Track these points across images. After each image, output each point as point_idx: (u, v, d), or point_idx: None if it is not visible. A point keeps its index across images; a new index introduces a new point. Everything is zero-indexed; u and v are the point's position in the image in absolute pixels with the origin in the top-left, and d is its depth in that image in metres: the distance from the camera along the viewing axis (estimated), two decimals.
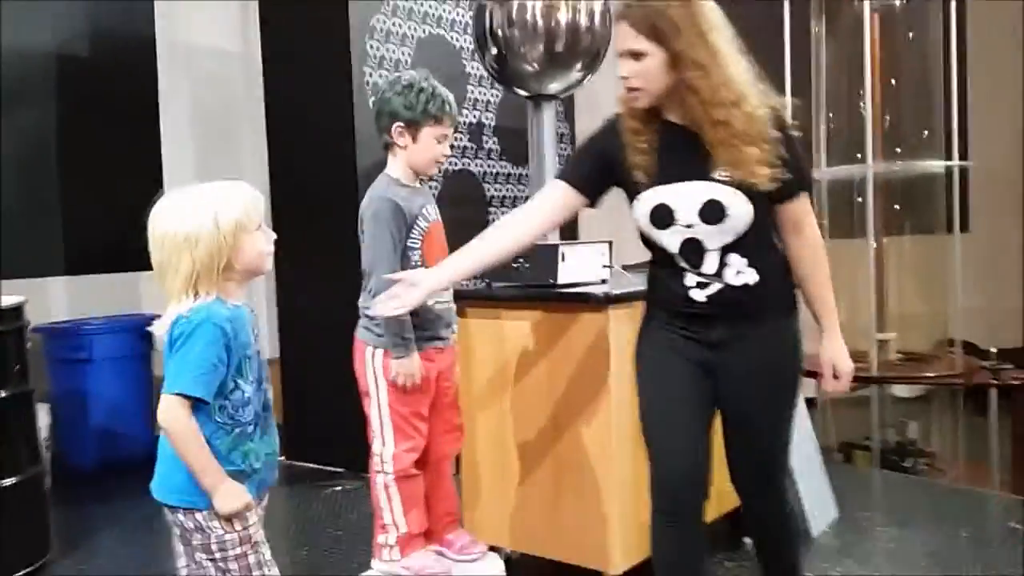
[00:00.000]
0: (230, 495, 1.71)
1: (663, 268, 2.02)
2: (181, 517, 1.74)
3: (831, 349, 2.00)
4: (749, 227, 1.90)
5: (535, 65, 2.93)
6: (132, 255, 4.95)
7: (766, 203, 1.92)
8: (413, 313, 2.43)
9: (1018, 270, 6.85)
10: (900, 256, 4.73)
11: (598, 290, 2.65)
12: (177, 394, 1.67)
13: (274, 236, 1.81)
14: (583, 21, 2.94)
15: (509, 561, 2.89)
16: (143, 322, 4.66)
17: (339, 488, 3.98)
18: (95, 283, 4.94)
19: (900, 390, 5.00)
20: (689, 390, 2.01)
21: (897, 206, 4.60)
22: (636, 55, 1.86)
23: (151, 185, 5.09)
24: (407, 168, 2.57)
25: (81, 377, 4.43)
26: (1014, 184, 6.82)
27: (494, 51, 2.97)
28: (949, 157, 4.42)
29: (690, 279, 1.96)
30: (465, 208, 4.55)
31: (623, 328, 2.64)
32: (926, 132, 4.52)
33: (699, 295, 1.95)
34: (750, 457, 2.07)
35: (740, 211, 1.88)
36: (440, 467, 2.75)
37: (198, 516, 1.73)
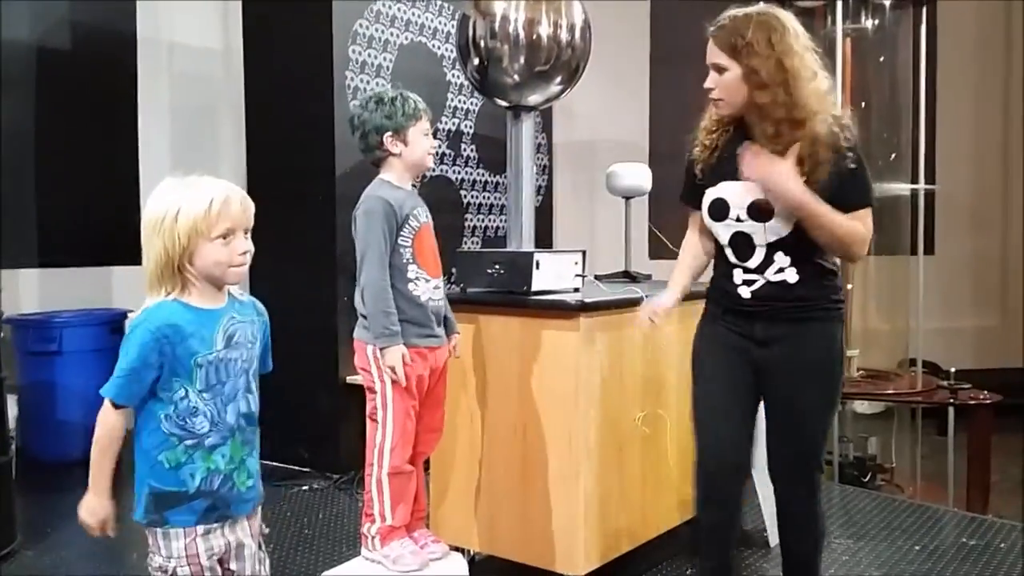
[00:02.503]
0: (88, 506, 1.72)
1: (718, 267, 2.26)
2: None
3: (794, 181, 2.02)
4: (792, 230, 2.08)
5: (516, 77, 2.99)
6: (106, 249, 5.04)
7: None
8: (402, 308, 2.55)
9: (977, 291, 7.00)
10: (865, 276, 4.84)
11: (571, 298, 2.71)
12: (109, 399, 1.69)
13: (246, 248, 1.73)
14: (564, 35, 3.00)
15: (473, 562, 2.94)
16: (114, 316, 4.65)
17: (306, 488, 4.00)
18: (68, 276, 4.93)
19: (862, 406, 5.10)
20: (734, 384, 2.22)
21: None
22: (718, 69, 2.09)
23: (127, 181, 5.10)
24: (402, 172, 2.66)
25: (50, 369, 4.42)
26: (974, 207, 6.98)
27: (476, 61, 3.03)
28: (915, 180, 4.54)
29: (738, 276, 2.18)
30: (443, 214, 4.55)
31: (594, 336, 2.70)
32: (893, 154, 4.63)
33: (745, 291, 2.18)
34: (787, 449, 2.23)
35: (784, 214, 2.06)
36: (415, 464, 2.79)
37: (147, 533, 1.74)
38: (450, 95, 4.74)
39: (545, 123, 5.51)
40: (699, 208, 2.24)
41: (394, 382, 2.57)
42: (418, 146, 2.65)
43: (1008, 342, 6.82)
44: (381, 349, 2.55)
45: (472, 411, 2.89)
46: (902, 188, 4.57)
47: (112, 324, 4.59)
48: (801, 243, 2.09)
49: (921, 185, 4.50)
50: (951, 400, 4.27)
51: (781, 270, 2.12)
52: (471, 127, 4.86)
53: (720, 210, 2.17)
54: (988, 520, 3.80)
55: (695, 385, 2.29)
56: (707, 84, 2.12)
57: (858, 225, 2.05)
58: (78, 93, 4.93)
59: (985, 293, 7.07)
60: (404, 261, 2.60)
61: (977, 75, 6.91)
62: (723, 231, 2.18)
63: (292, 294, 4.05)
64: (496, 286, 2.86)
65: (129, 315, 1.79)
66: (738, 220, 2.13)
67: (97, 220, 4.97)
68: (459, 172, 4.83)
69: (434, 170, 4.62)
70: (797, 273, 2.11)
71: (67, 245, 4.91)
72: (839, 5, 4.26)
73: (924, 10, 4.55)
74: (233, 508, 1.77)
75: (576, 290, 2.94)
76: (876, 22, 4.60)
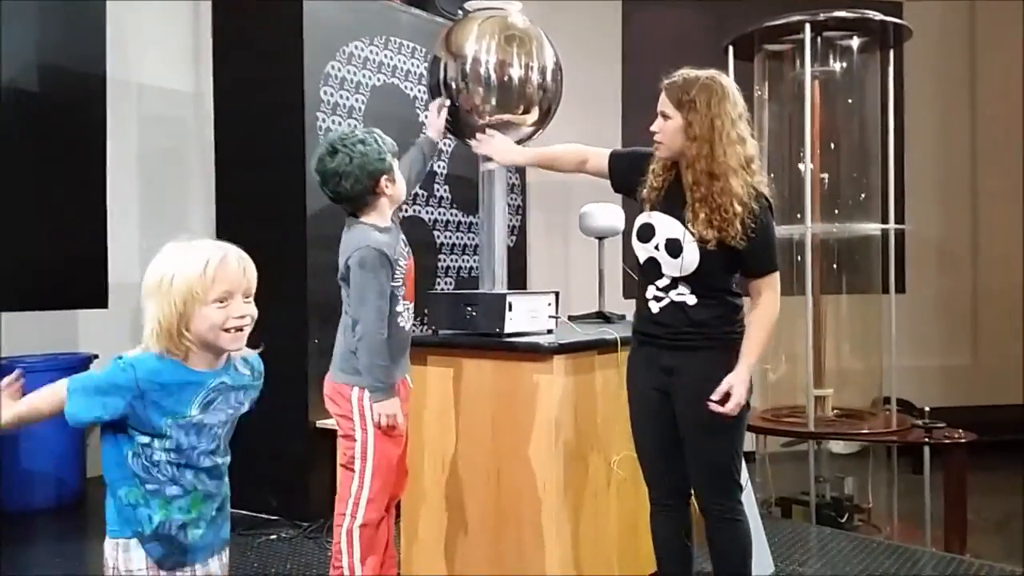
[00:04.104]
0: None
1: (639, 285, 2.52)
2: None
3: (734, 377, 2.37)
4: (697, 270, 2.39)
5: (488, 119, 2.98)
6: (71, 292, 4.95)
7: (718, 261, 2.38)
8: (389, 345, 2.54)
9: (948, 329, 7.05)
10: (838, 315, 4.85)
11: (544, 340, 2.68)
12: (67, 392, 1.68)
13: (244, 312, 1.73)
14: (535, 78, 3.00)
15: None
16: (80, 360, 4.56)
17: (274, 536, 3.90)
18: (33, 319, 4.83)
19: (837, 446, 5.09)
20: (657, 414, 2.50)
21: (835, 266, 4.72)
22: (664, 116, 2.41)
23: (94, 223, 5.04)
24: (386, 210, 2.62)
25: None
26: (944, 246, 7.06)
27: (447, 103, 3.02)
28: (885, 220, 4.57)
29: (650, 292, 2.48)
30: (416, 254, 4.53)
31: (568, 378, 2.67)
32: (863, 195, 4.66)
33: (655, 306, 2.46)
34: (698, 466, 2.48)
35: (691, 256, 2.38)
36: (387, 511, 2.73)
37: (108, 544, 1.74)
38: (423, 135, 4.72)
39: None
40: (612, 171, 2.64)
41: (379, 431, 2.52)
42: (401, 183, 2.66)
43: (979, 380, 6.87)
44: (376, 401, 2.50)
45: (445, 455, 2.84)
46: (872, 228, 4.60)
47: (78, 369, 4.47)
48: (701, 281, 2.40)
49: (891, 225, 4.53)
50: (926, 439, 4.26)
51: (682, 294, 2.43)
52: (444, 167, 4.85)
53: (646, 234, 2.47)
54: (966, 561, 3.78)
55: (632, 424, 2.57)
56: (653, 127, 2.44)
57: (766, 312, 2.40)
58: (46, 135, 4.88)
59: (956, 331, 7.13)
60: (395, 301, 2.59)
61: (943, 115, 7.04)
62: (642, 253, 2.48)
63: (262, 337, 3.97)
64: (469, 328, 2.83)
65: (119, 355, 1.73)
66: (656, 248, 2.43)
67: (64, 263, 4.89)
68: (432, 212, 4.81)
69: (407, 211, 4.60)
70: (696, 299, 2.42)
71: (32, 288, 4.81)
72: (807, 48, 4.30)
73: (891, 52, 4.61)
74: (190, 556, 1.75)
75: (550, 331, 2.92)
76: (844, 65, 4.66)
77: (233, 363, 1.80)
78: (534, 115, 3.05)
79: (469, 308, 2.80)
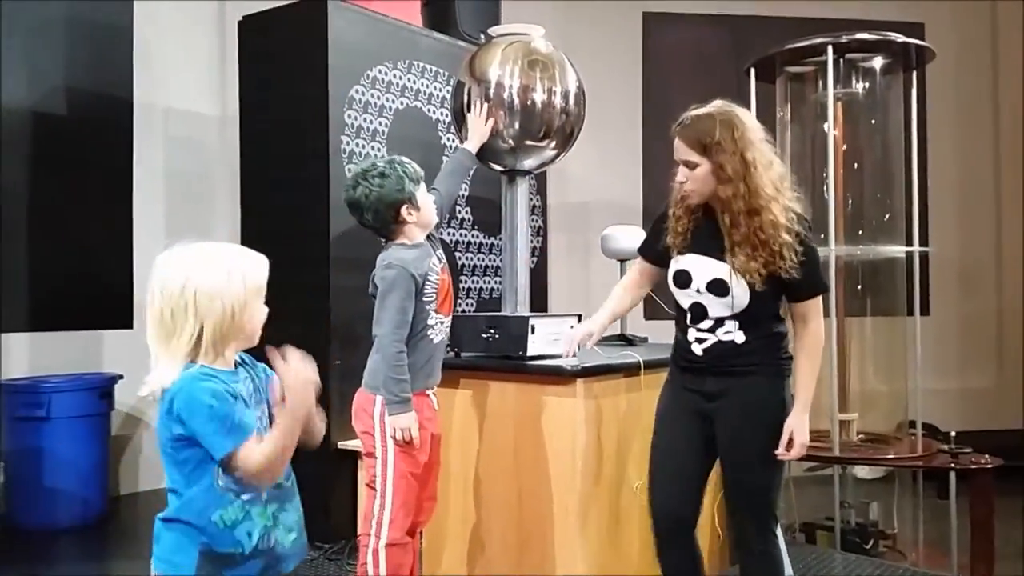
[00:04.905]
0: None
1: (679, 325, 2.47)
2: None
3: (793, 420, 2.33)
4: (747, 307, 2.32)
5: (510, 142, 3.00)
6: (97, 313, 5.00)
7: (767, 293, 2.31)
8: (415, 360, 2.58)
9: (972, 352, 6.98)
10: (862, 338, 4.80)
11: (567, 363, 2.68)
12: (233, 449, 1.60)
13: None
14: (558, 102, 3.02)
15: None
16: (103, 381, 4.60)
17: (308, 558, 3.90)
18: (59, 340, 4.88)
19: (862, 471, 5.03)
20: (688, 445, 2.43)
21: (859, 287, 4.68)
22: (689, 165, 2.30)
23: (120, 246, 5.10)
24: (416, 234, 2.67)
25: (37, 435, 4.35)
26: (968, 268, 7.00)
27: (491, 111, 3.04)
28: (910, 242, 4.53)
29: (692, 335, 2.41)
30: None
31: (591, 402, 2.67)
32: (887, 216, 4.63)
33: (697, 348, 2.40)
34: (740, 494, 2.41)
35: (740, 294, 2.32)
36: (412, 535, 2.73)
37: None
38: (445, 158, 4.76)
39: (540, 185, 5.54)
40: (652, 263, 2.56)
41: (399, 448, 2.53)
42: (427, 207, 2.69)
43: (1005, 403, 6.78)
44: (391, 415, 2.52)
45: (467, 479, 2.83)
46: (897, 251, 4.56)
47: (101, 389, 4.53)
48: (750, 316, 2.34)
49: (916, 247, 4.50)
50: (952, 464, 4.20)
51: (729, 332, 2.36)
52: (466, 189, 4.87)
53: (683, 280, 2.40)
54: None
55: (653, 447, 2.50)
56: (679, 178, 2.34)
57: (815, 341, 2.37)
58: (74, 157, 4.95)
59: (981, 354, 7.05)
60: (427, 315, 2.61)
61: (965, 135, 7.00)
62: (683, 298, 2.42)
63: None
64: (491, 351, 2.83)
65: (145, 388, 1.67)
66: (697, 291, 2.37)
67: (90, 284, 4.95)
68: (454, 234, 4.82)
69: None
70: (744, 335, 2.35)
71: (59, 309, 4.88)
72: (830, 71, 4.29)
73: (914, 74, 4.59)
74: (283, 565, 1.74)
75: (573, 355, 2.91)
76: (867, 86, 4.65)
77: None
78: (557, 139, 3.06)
79: (492, 331, 2.81)
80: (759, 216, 2.25)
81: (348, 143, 4.15)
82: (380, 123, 4.34)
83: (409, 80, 4.52)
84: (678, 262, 2.41)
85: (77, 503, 4.43)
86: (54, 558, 3.92)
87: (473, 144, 3.06)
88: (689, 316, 2.41)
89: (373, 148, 4.24)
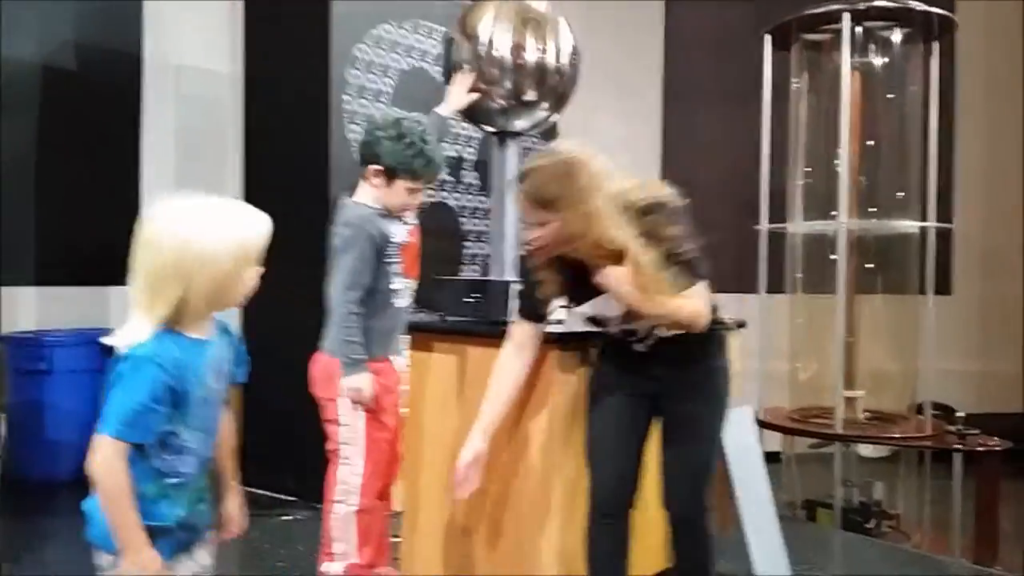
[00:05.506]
0: (139, 565, 1.54)
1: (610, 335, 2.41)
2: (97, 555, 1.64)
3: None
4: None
5: (500, 102, 2.93)
6: (104, 269, 5.00)
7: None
8: (377, 326, 2.55)
9: (997, 333, 6.82)
10: (875, 315, 4.70)
11: (552, 329, 2.62)
12: (114, 438, 1.52)
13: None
14: (551, 61, 2.94)
15: None
16: (106, 336, 4.62)
17: (289, 517, 3.91)
18: (66, 295, 4.91)
19: (866, 450, 4.94)
20: (628, 419, 2.39)
21: (871, 265, 4.57)
22: (539, 223, 2.20)
23: (128, 202, 5.09)
24: (381, 200, 2.60)
25: (40, 388, 4.39)
26: (994, 247, 6.82)
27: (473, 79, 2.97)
28: (925, 218, 4.41)
29: (630, 340, 2.37)
30: (441, 241, 4.53)
31: (574, 368, 2.61)
32: (903, 192, 4.51)
33: (639, 347, 2.36)
34: (686, 471, 2.36)
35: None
36: (384, 498, 2.71)
37: (105, 559, 1.62)
38: (452, 120, 4.68)
39: None
40: (536, 322, 2.42)
41: (368, 414, 2.50)
42: (397, 197, 2.59)
43: None
44: (344, 376, 2.48)
45: (448, 442, 2.79)
46: (910, 226, 4.44)
47: (104, 344, 4.55)
48: None
49: (932, 223, 4.37)
50: (958, 445, 4.11)
51: (659, 328, 2.31)
52: (473, 154, 4.80)
53: (601, 321, 2.37)
54: (995, 574, 3.64)
55: (591, 428, 2.43)
56: (531, 238, 2.25)
57: (693, 304, 2.21)
58: (82, 113, 4.95)
59: (1005, 336, 6.88)
60: (389, 279, 2.57)
61: (996, 112, 6.78)
62: (613, 331, 2.38)
63: (282, 316, 3.98)
64: (475, 315, 2.79)
65: (114, 341, 1.61)
66: (617, 324, 2.33)
67: (96, 240, 4.95)
68: (459, 199, 4.76)
69: (433, 196, 4.57)
70: (678, 333, 2.29)
71: (65, 264, 4.90)
72: (845, 38, 4.16)
73: (937, 45, 4.44)
74: (199, 534, 1.70)
75: (560, 321, 2.85)
76: (886, 58, 4.51)
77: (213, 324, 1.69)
78: (549, 99, 2.98)
79: (474, 295, 2.76)
80: (612, 247, 2.16)
81: (351, 102, 4.10)
82: (385, 83, 4.28)
83: (416, 40, 4.44)
84: (585, 309, 2.36)
85: (78, 456, 4.46)
86: (55, 510, 3.96)
87: (444, 108, 2.95)
88: (624, 338, 2.38)
89: (376, 109, 4.18)
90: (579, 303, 2.35)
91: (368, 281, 2.52)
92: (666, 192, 2.26)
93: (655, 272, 2.15)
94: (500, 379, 2.43)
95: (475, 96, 2.95)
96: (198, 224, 1.56)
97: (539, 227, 2.20)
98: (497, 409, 2.43)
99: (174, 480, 1.62)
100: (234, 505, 1.83)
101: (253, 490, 4.26)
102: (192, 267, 1.54)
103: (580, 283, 2.27)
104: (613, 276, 2.17)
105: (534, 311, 2.42)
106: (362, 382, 2.48)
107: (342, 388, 2.52)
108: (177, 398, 1.57)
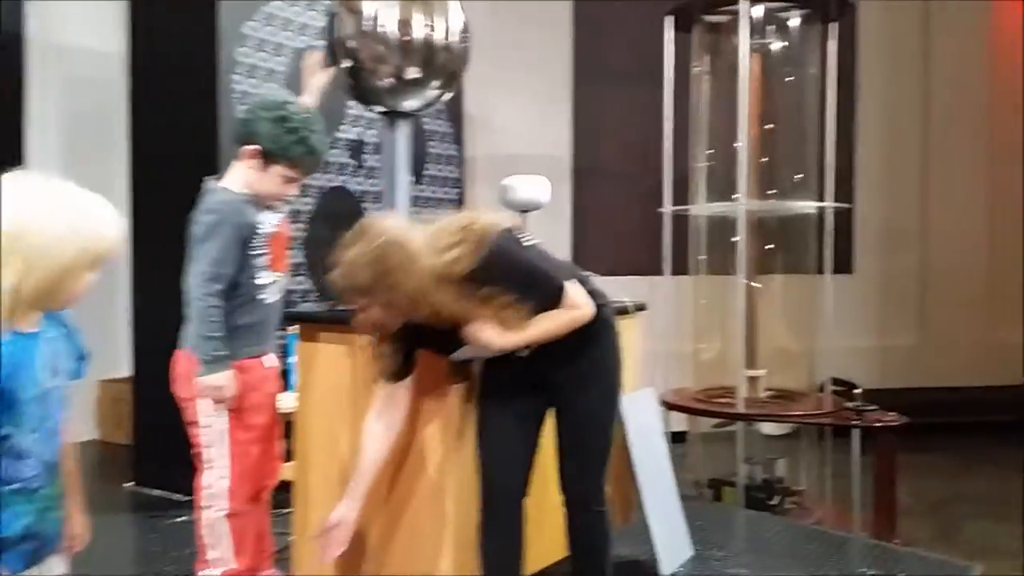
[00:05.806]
0: None
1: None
2: None
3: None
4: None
5: (388, 81, 2.82)
6: None
7: (520, 297, 2.18)
8: (245, 322, 2.42)
9: (896, 310, 7.02)
10: (774, 295, 4.75)
11: None
12: None
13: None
14: (439, 38, 2.84)
15: None
16: None
17: (181, 519, 3.75)
18: None
19: (769, 427, 5.01)
20: (522, 410, 2.36)
21: (771, 246, 4.62)
22: (362, 310, 2.18)
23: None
24: (250, 186, 2.45)
25: None
26: (894, 226, 7.01)
27: (346, 64, 2.85)
28: (823, 198, 4.47)
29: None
30: (341, 227, 4.41)
31: (459, 370, 2.54)
32: (802, 174, 4.55)
33: (524, 353, 2.30)
34: (584, 456, 2.37)
35: (500, 342, 2.21)
36: (262, 500, 2.59)
37: None
38: (351, 103, 4.56)
39: (456, 134, 5.37)
40: (400, 379, 2.39)
41: (232, 415, 2.38)
42: (270, 183, 2.43)
43: (928, 360, 6.83)
44: (204, 374, 2.34)
45: (336, 436, 2.70)
46: (808, 206, 4.50)
47: None
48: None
49: (829, 203, 4.43)
50: (855, 422, 4.18)
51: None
52: (375, 136, 4.68)
53: (467, 358, 2.36)
54: (890, 547, 3.71)
55: (483, 422, 2.40)
56: (359, 324, 2.24)
57: (569, 310, 2.21)
58: None
59: (904, 312, 7.09)
60: (254, 272, 2.43)
61: (895, 94, 6.95)
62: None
63: (171, 306, 3.81)
64: None
65: None
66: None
67: None
68: (361, 183, 4.64)
69: (333, 180, 4.44)
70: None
71: None
72: (743, 19, 4.17)
73: (836, 27, 4.49)
74: (51, 545, 1.58)
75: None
76: (786, 40, 4.54)
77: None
78: (439, 78, 2.89)
79: None
80: (437, 307, 2.14)
81: (241, 82, 3.94)
82: (277, 62, 4.13)
83: (309, 18, 4.29)
84: (459, 355, 2.34)
85: None
86: None
87: (308, 97, 2.77)
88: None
89: (268, 89, 4.03)
90: (448, 353, 2.34)
91: (231, 273, 2.37)
92: (488, 224, 2.18)
93: (516, 311, 2.16)
94: (367, 446, 2.40)
95: (331, 71, 2.83)
96: (45, 212, 1.41)
97: (364, 312, 2.18)
98: (367, 478, 2.41)
99: (16, 486, 1.49)
100: (76, 516, 1.70)
101: (147, 491, 4.11)
102: (30, 258, 1.39)
103: (444, 335, 2.24)
104: (483, 336, 2.17)
105: (397, 374, 2.39)
106: (221, 380, 2.34)
107: (200, 387, 2.37)
108: (7, 397, 1.44)
